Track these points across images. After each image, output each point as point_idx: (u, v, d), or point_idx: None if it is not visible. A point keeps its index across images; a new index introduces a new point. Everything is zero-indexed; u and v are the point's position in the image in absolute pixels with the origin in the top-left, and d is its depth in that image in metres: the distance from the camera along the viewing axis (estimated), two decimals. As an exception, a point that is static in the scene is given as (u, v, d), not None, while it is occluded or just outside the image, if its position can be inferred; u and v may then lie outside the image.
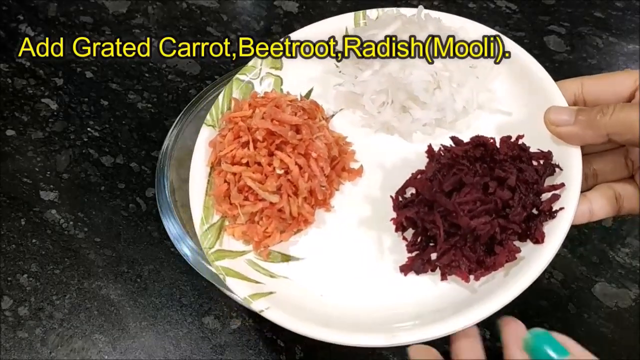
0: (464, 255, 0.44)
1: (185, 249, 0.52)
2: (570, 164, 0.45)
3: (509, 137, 0.47)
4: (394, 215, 0.48)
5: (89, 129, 0.73)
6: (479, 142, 0.47)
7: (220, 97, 0.55)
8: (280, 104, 0.51)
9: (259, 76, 0.56)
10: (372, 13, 0.58)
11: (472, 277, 0.44)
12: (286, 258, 0.49)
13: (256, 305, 0.45)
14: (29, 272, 0.62)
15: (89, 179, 0.69)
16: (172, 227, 0.53)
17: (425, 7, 0.55)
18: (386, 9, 0.57)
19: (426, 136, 0.53)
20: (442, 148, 0.48)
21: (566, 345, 0.39)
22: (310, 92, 0.56)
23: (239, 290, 0.46)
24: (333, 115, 0.55)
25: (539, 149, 0.47)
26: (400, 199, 0.48)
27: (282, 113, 0.49)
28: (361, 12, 0.58)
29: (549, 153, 0.46)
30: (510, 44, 0.54)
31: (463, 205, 0.44)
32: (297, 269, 0.48)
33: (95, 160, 0.70)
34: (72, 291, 0.61)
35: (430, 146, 0.49)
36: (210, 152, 0.52)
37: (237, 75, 0.56)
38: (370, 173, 0.52)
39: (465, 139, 0.48)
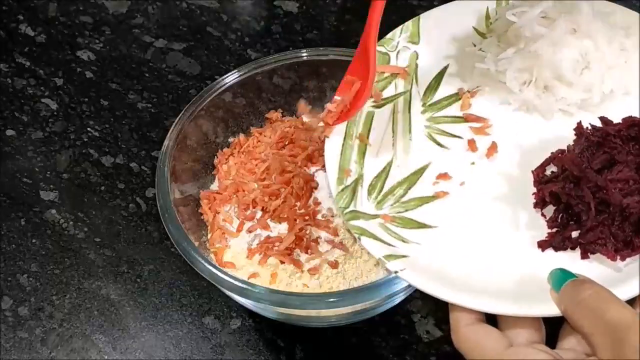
0: (611, 234, 0.44)
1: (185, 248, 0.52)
2: None
3: None
4: (531, 192, 0.48)
5: (89, 129, 0.73)
6: (633, 123, 0.46)
7: None
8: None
9: (396, 49, 0.57)
10: None
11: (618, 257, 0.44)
12: (419, 225, 0.49)
13: (391, 266, 0.46)
14: (29, 272, 0.62)
15: (89, 179, 0.69)
16: (172, 227, 0.53)
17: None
18: None
19: (567, 118, 0.52)
20: (591, 126, 0.48)
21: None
22: (445, 69, 0.57)
23: (373, 250, 0.47)
24: (469, 92, 0.55)
25: None
26: (541, 175, 0.48)
27: None
28: None
29: None
30: None
31: (614, 182, 0.43)
32: (430, 236, 0.48)
33: (95, 160, 0.70)
34: (72, 291, 0.61)
35: (579, 123, 0.48)
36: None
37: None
38: (507, 150, 0.52)
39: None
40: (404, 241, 0.48)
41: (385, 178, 0.52)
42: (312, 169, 0.58)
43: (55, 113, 0.74)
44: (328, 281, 0.53)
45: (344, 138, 0.53)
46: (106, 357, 0.57)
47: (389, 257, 0.46)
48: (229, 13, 0.84)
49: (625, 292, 0.41)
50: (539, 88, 0.53)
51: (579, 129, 0.48)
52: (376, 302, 0.52)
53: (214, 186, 0.61)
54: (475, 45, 0.57)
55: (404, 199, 0.51)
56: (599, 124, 0.48)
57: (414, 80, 0.57)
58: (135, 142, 0.72)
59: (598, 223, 0.44)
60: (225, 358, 0.57)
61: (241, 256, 0.55)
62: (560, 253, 0.46)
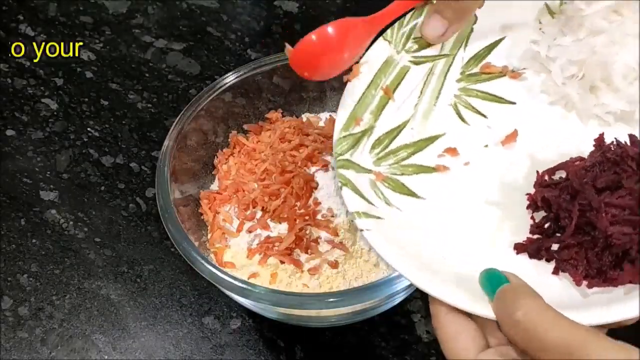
0: (586, 258, 0.41)
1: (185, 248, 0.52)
2: None
3: None
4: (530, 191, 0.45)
5: (89, 129, 0.73)
6: None
7: (407, 17, 0.52)
8: None
9: None
10: None
11: (584, 282, 0.41)
12: (408, 192, 0.47)
13: (360, 223, 0.44)
14: (29, 272, 0.62)
15: (89, 179, 0.69)
16: (172, 227, 0.53)
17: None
18: None
19: (602, 126, 0.48)
20: (615, 142, 0.44)
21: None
22: (499, 41, 0.53)
23: (350, 203, 0.45)
24: (514, 72, 0.52)
25: None
26: (547, 178, 0.45)
27: None
28: None
29: None
30: None
31: (609, 207, 0.40)
32: (414, 205, 0.47)
33: (95, 160, 0.70)
34: (72, 291, 0.61)
35: (602, 135, 0.45)
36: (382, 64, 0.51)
37: (429, 5, 0.53)
38: (526, 142, 0.49)
39: None
40: (387, 203, 0.46)
41: (395, 137, 0.50)
42: (312, 169, 0.58)
43: (55, 113, 0.74)
44: (328, 281, 0.53)
45: (368, 86, 0.51)
46: (106, 357, 0.57)
47: (363, 214, 0.44)
48: (229, 13, 0.84)
49: (585, 317, 0.38)
50: (584, 87, 0.50)
51: (599, 140, 0.45)
52: (376, 302, 0.52)
53: (214, 186, 0.61)
54: (540, 22, 0.53)
55: (405, 162, 0.49)
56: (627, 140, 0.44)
57: (464, 45, 0.53)
58: (135, 142, 0.72)
59: (576, 242, 0.41)
60: (225, 358, 0.57)
61: (241, 256, 0.55)
62: (534, 261, 0.43)
